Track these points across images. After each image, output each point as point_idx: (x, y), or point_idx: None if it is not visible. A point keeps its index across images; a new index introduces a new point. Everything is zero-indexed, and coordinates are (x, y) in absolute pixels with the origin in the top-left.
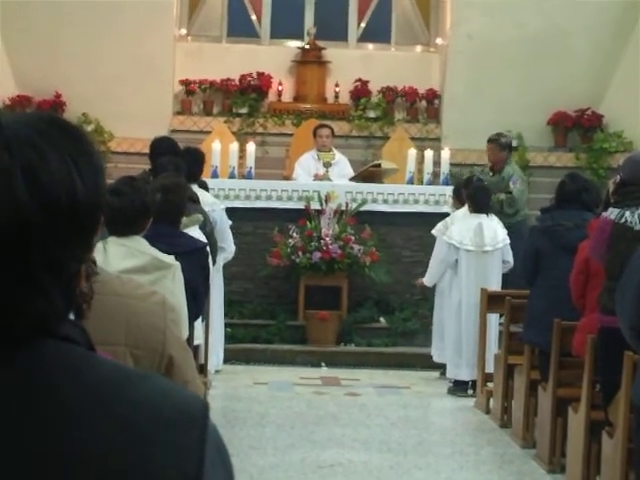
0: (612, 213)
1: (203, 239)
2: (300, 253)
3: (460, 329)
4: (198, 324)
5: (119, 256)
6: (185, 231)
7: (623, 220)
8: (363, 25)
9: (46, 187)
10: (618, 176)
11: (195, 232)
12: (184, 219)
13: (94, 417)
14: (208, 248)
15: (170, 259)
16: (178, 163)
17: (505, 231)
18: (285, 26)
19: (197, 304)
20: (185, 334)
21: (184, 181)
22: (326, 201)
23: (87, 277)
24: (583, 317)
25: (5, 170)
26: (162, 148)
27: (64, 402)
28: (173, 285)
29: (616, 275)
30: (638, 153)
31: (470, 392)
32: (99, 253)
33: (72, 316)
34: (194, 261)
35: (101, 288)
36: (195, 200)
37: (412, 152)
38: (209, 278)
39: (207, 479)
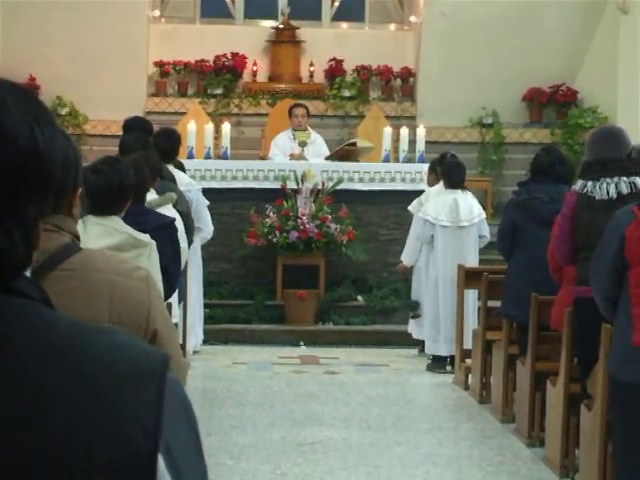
0: (577, 185)
1: (177, 217)
2: (277, 233)
3: (438, 305)
4: (175, 304)
5: (95, 235)
6: (159, 210)
7: (585, 190)
8: (337, 4)
9: (11, 137)
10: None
11: (169, 211)
12: (157, 198)
13: (48, 372)
14: (181, 225)
15: (146, 238)
16: (145, 140)
17: (480, 206)
18: (259, 6)
19: (168, 282)
20: None
21: (148, 156)
22: (302, 180)
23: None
24: (560, 290)
25: None
26: (134, 127)
27: (17, 357)
28: (149, 264)
29: (583, 245)
30: (593, 134)
31: (449, 368)
32: (80, 232)
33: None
34: (161, 237)
35: (84, 264)
36: (171, 180)
37: (387, 130)
38: (179, 255)
39: (167, 431)
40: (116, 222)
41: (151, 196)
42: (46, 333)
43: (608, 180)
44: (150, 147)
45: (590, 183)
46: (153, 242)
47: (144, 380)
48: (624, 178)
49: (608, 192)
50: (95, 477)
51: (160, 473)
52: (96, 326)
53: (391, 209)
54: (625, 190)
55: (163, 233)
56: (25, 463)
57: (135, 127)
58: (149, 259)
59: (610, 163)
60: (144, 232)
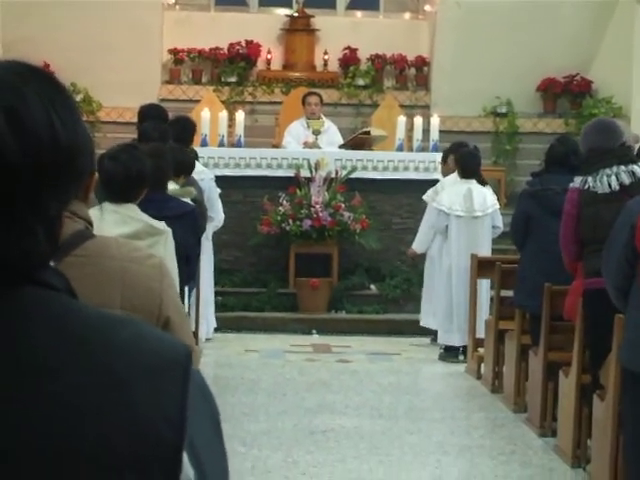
0: (577, 182)
1: None
2: (290, 221)
3: (451, 295)
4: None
5: (112, 222)
6: None
7: (587, 186)
8: None
9: (29, 130)
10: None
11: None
12: (177, 190)
13: (68, 363)
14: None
15: (162, 225)
16: (164, 129)
17: (495, 196)
18: None
19: (189, 267)
20: None
21: (168, 145)
22: (316, 169)
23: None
24: (575, 280)
25: None
26: (150, 115)
27: (43, 351)
28: (165, 252)
29: (590, 239)
30: (587, 126)
31: (461, 358)
32: (95, 219)
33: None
34: (185, 224)
35: (98, 251)
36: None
37: (401, 119)
38: (199, 242)
39: (191, 423)
40: (132, 210)
41: (171, 186)
42: (71, 324)
43: (607, 171)
44: (168, 135)
45: (590, 178)
46: (169, 230)
47: (168, 372)
48: (622, 167)
49: (610, 184)
50: (116, 469)
51: (183, 465)
52: (119, 316)
53: (404, 198)
54: (627, 180)
55: (186, 220)
56: (40, 455)
57: (151, 115)
58: (165, 247)
59: (606, 153)
60: (167, 219)
